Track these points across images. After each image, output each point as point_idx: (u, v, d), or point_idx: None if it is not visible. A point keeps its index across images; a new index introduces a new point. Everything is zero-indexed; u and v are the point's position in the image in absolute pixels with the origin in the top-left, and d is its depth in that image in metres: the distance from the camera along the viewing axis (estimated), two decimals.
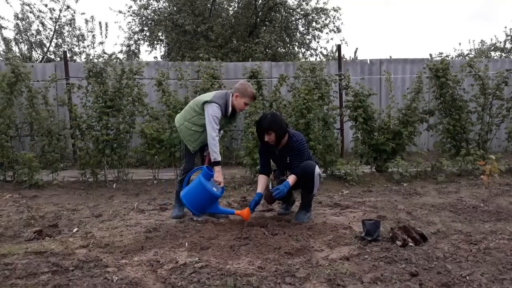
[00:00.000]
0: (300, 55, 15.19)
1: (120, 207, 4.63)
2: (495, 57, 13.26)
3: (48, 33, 13.40)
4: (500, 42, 14.56)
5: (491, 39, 16.91)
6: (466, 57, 14.09)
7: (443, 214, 4.04)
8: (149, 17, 14.49)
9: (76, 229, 3.74)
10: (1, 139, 6.09)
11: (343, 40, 19.27)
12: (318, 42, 16.67)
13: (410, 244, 3.02)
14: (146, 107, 6.43)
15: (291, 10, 14.51)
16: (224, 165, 7.54)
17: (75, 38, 13.71)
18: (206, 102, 3.79)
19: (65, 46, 13.56)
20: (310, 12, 14.29)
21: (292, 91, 6.66)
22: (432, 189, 5.37)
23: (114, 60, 6.73)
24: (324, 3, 14.14)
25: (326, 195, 5.09)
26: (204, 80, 7.32)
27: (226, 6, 15.05)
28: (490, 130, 6.84)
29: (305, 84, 6.25)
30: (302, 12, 14.48)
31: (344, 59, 10.09)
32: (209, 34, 13.41)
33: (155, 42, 15.20)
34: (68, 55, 11.50)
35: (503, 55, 14.19)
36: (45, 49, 13.56)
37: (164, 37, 15.01)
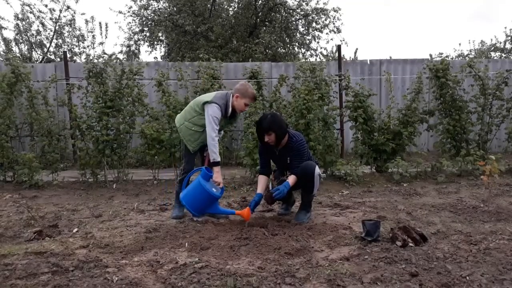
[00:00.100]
0: (300, 56, 15.20)
1: (120, 208, 4.63)
2: (495, 58, 13.27)
3: (48, 33, 13.43)
4: (500, 43, 14.58)
5: (491, 39, 16.93)
6: (466, 57, 14.10)
7: (443, 215, 4.04)
8: (149, 17, 14.50)
9: (76, 230, 3.74)
10: (1, 140, 6.10)
11: (343, 40, 19.29)
12: (318, 42, 16.69)
13: (410, 244, 3.02)
14: (146, 108, 6.44)
15: (291, 11, 14.51)
16: (224, 166, 7.56)
17: (75, 39, 13.73)
18: (206, 102, 3.79)
19: (65, 47, 13.58)
20: (310, 12, 14.29)
21: (292, 92, 6.67)
22: (432, 189, 5.37)
23: (114, 61, 6.74)
24: (324, 4, 14.17)
25: (326, 195, 5.09)
26: (204, 81, 7.32)
27: (226, 6, 15.05)
28: (490, 131, 6.84)
29: (305, 85, 6.25)
30: (302, 13, 14.48)
31: (344, 60, 10.09)
32: (209, 34, 13.42)
33: (155, 43, 15.20)
34: (68, 55, 11.51)
35: (503, 55, 14.20)
36: (45, 50, 13.57)
37: (164, 38, 15.02)
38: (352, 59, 14.70)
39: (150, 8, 14.55)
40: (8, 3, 12.66)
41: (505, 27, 17.54)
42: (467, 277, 2.45)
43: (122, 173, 6.20)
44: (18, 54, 12.60)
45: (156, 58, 15.59)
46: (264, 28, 14.32)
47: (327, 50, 15.71)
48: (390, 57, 10.06)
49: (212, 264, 2.74)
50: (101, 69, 6.28)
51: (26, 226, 3.89)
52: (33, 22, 13.25)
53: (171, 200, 4.82)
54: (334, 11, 14.06)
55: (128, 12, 14.45)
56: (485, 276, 2.46)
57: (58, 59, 13.08)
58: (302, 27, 14.98)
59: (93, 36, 13.56)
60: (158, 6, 14.72)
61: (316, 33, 14.61)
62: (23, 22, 13.12)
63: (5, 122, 6.25)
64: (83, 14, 18.71)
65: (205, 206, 3.76)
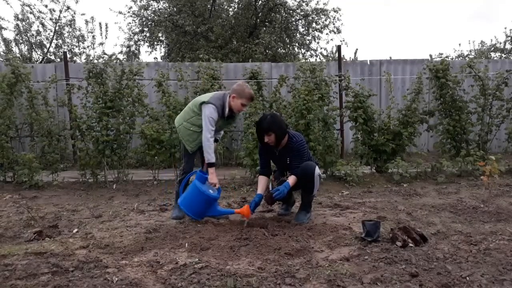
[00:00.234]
0: (300, 56, 15.21)
1: (120, 208, 4.63)
2: (495, 58, 13.29)
3: (48, 34, 13.43)
4: (500, 43, 14.58)
5: (491, 39, 16.94)
6: (466, 57, 14.10)
7: (443, 215, 4.04)
8: (149, 17, 14.50)
9: (76, 230, 3.74)
10: (1, 140, 6.09)
11: (343, 41, 19.34)
12: (318, 42, 16.66)
13: (410, 244, 3.02)
14: (146, 108, 6.44)
15: (291, 11, 14.52)
16: (224, 166, 7.62)
17: (75, 39, 13.72)
18: (203, 103, 3.79)
19: (65, 47, 13.58)
20: (310, 13, 14.29)
21: (292, 92, 6.67)
22: (432, 189, 5.37)
23: (114, 61, 6.74)
24: (324, 4, 14.17)
25: (326, 195, 5.09)
26: (204, 81, 7.33)
27: (226, 7, 15.06)
28: (490, 131, 6.84)
29: (305, 85, 6.25)
30: (302, 13, 14.49)
31: (344, 60, 10.10)
32: (209, 34, 13.42)
33: (155, 43, 15.20)
34: (68, 55, 11.49)
35: (503, 55, 14.21)
36: (45, 50, 13.57)
37: (164, 38, 15.02)
38: (352, 59, 14.70)
39: (150, 8, 14.56)
40: (8, 4, 12.68)
41: (505, 27, 17.55)
42: (467, 278, 2.45)
43: (122, 174, 6.20)
44: (18, 55, 12.60)
45: (156, 58, 15.61)
46: (264, 28, 14.32)
47: (327, 51, 15.72)
48: (390, 58, 10.09)
49: (212, 264, 2.74)
50: (101, 70, 6.29)
51: (26, 226, 3.89)
52: (33, 22, 13.27)
53: (171, 201, 4.82)
54: (334, 11, 14.08)
55: (128, 12, 14.48)
56: (485, 277, 2.46)
57: (58, 60, 13.08)
58: (302, 28, 14.99)
59: (93, 36, 13.57)
60: (158, 6, 14.74)
61: (316, 33, 14.64)
62: (23, 23, 13.13)
63: (5, 123, 6.25)
64: (83, 14, 18.73)
65: (205, 209, 3.76)
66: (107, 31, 13.41)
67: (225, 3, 14.86)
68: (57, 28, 13.28)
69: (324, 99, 6.21)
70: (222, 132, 4.27)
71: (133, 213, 4.37)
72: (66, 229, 3.77)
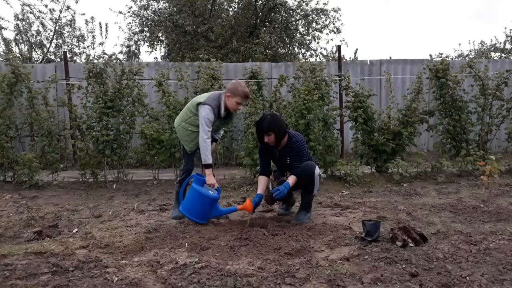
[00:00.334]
0: (300, 56, 15.21)
1: (120, 208, 4.63)
2: (495, 58, 13.28)
3: (48, 33, 13.44)
4: (500, 43, 14.58)
5: (491, 39, 16.93)
6: (466, 57, 14.10)
7: (443, 215, 4.04)
8: (149, 17, 14.50)
9: (76, 230, 3.74)
10: (1, 140, 6.10)
11: (343, 40, 19.35)
12: (318, 42, 16.69)
13: (410, 244, 3.02)
14: (146, 108, 6.44)
15: (291, 11, 14.52)
16: (224, 166, 7.62)
17: (75, 39, 13.74)
18: (199, 103, 3.79)
19: (65, 47, 13.59)
20: (310, 12, 14.30)
21: (292, 92, 6.67)
22: (432, 189, 5.37)
23: (114, 61, 6.75)
24: (324, 4, 14.17)
25: (326, 195, 5.09)
26: (204, 81, 7.33)
27: (226, 6, 15.06)
28: (490, 131, 6.84)
29: (305, 85, 6.25)
30: (302, 13, 14.49)
31: (344, 60, 10.10)
32: (209, 34, 13.42)
33: (155, 43, 15.20)
34: (68, 55, 11.50)
35: (503, 55, 14.20)
36: (45, 50, 13.57)
37: (164, 38, 15.02)
38: (352, 59, 14.69)
39: (150, 8, 14.56)
40: (8, 3, 12.68)
41: (505, 27, 17.56)
42: (467, 277, 2.45)
43: (122, 173, 6.20)
44: (18, 55, 12.59)
45: (156, 58, 15.61)
46: (264, 28, 14.32)
47: (327, 51, 15.72)
48: (390, 57, 10.09)
49: (212, 264, 2.74)
50: (101, 70, 6.29)
51: (26, 226, 3.89)
52: (33, 22, 13.29)
53: (171, 200, 4.82)
54: (334, 11, 14.09)
55: (128, 12, 14.48)
56: (485, 276, 2.46)
57: (58, 59, 13.09)
58: (302, 28, 14.99)
59: (93, 36, 13.59)
60: (158, 6, 14.74)
61: (316, 33, 14.64)
62: (23, 23, 13.13)
63: (5, 122, 6.26)
64: (83, 14, 18.76)
65: (207, 211, 3.75)
66: (107, 31, 13.46)
67: (225, 3, 14.86)
68: (57, 28, 13.29)
69: (324, 99, 6.21)
70: (222, 132, 4.26)
71: (133, 213, 4.37)
72: (66, 229, 3.77)
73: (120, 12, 14.85)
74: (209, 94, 3.91)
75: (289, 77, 7.53)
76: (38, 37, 13.39)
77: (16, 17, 12.91)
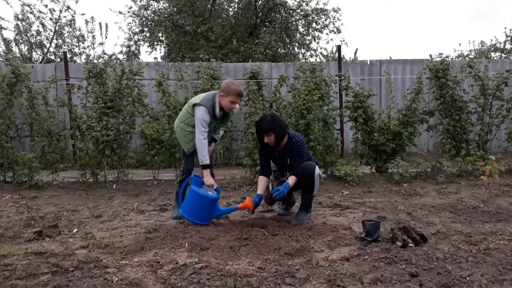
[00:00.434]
0: (300, 56, 15.21)
1: (120, 208, 4.63)
2: (495, 58, 13.28)
3: (48, 33, 13.44)
4: (500, 43, 14.57)
5: (491, 39, 16.91)
6: (466, 57, 14.10)
7: (443, 215, 4.04)
8: (149, 17, 14.50)
9: (76, 230, 3.74)
10: (1, 140, 6.09)
11: (343, 40, 19.33)
12: (318, 42, 16.68)
13: (410, 244, 3.02)
14: (146, 108, 6.44)
15: (291, 11, 14.52)
16: (224, 166, 7.62)
17: (75, 39, 13.73)
18: (195, 104, 3.80)
19: (65, 47, 13.58)
20: (310, 13, 14.30)
21: (292, 92, 6.67)
22: (432, 189, 5.37)
23: (114, 61, 6.75)
24: (324, 4, 14.17)
25: (326, 195, 5.09)
26: (204, 81, 7.32)
27: (226, 6, 15.06)
28: (490, 131, 6.84)
29: (305, 85, 6.25)
30: (302, 13, 14.49)
31: (344, 60, 10.09)
32: (209, 34, 13.42)
33: (155, 43, 15.20)
34: (68, 55, 11.50)
35: (503, 55, 14.20)
36: (45, 50, 13.57)
37: (164, 38, 15.02)
38: (352, 59, 14.68)
39: (150, 8, 14.56)
40: (8, 4, 12.68)
41: (505, 27, 17.54)
42: (467, 278, 2.45)
43: (122, 174, 6.20)
44: (18, 55, 12.59)
45: (156, 58, 15.62)
46: (264, 28, 14.32)
47: (327, 51, 15.71)
48: (390, 58, 10.09)
49: (212, 264, 2.74)
50: (101, 70, 6.28)
51: (26, 226, 3.89)
52: (33, 22, 13.28)
53: (171, 201, 4.82)
54: (334, 11, 14.09)
55: (128, 12, 14.47)
56: (485, 277, 2.46)
57: (58, 60, 13.09)
58: (302, 28, 14.99)
59: (93, 36, 13.58)
60: (158, 6, 14.73)
61: (316, 33, 14.63)
62: (23, 23, 13.13)
63: (5, 123, 6.25)
64: (83, 14, 18.74)
65: (208, 212, 3.74)
66: (107, 31, 13.45)
67: (225, 3, 14.86)
68: (57, 28, 13.29)
69: (324, 99, 6.21)
70: (221, 132, 4.25)
71: (133, 213, 4.37)
72: (66, 229, 3.77)
73: (120, 12, 14.85)
74: (204, 95, 3.92)
75: (289, 77, 7.53)
76: (38, 37, 13.41)
77: (16, 17, 12.93)
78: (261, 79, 8.12)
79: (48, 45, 13.52)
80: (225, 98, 3.78)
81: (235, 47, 13.81)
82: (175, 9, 14.09)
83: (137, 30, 14.79)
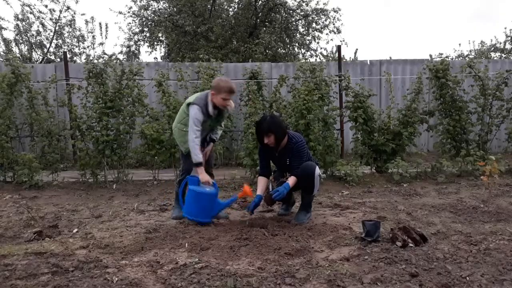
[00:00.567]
0: (300, 56, 15.21)
1: (120, 208, 4.63)
2: (495, 58, 13.28)
3: (48, 34, 13.44)
4: (500, 43, 14.57)
5: (491, 39, 16.91)
6: (466, 57, 14.09)
7: (443, 215, 4.04)
8: (149, 18, 14.50)
9: (76, 230, 3.74)
10: (1, 140, 6.09)
11: (343, 41, 19.32)
12: (318, 43, 16.68)
13: (410, 244, 3.02)
14: (146, 108, 6.43)
15: (291, 11, 14.52)
16: (224, 166, 7.62)
17: (75, 39, 13.73)
18: (189, 104, 3.81)
19: (65, 47, 13.58)
20: (310, 13, 14.30)
21: (292, 92, 6.66)
22: (432, 189, 5.37)
23: (114, 61, 6.74)
24: (324, 4, 14.17)
25: (326, 195, 5.09)
26: (204, 81, 7.32)
27: (226, 7, 15.06)
28: (490, 131, 6.84)
29: (305, 85, 6.25)
30: (302, 13, 14.49)
31: (344, 60, 10.09)
32: (209, 35, 13.42)
33: (155, 43, 15.20)
34: (68, 56, 11.49)
35: (503, 56, 14.20)
36: (45, 50, 13.57)
37: (164, 38, 15.02)
38: (352, 59, 14.68)
39: (150, 8, 14.56)
40: (8, 4, 12.68)
41: (505, 27, 17.53)
42: (467, 278, 2.45)
43: (122, 174, 6.20)
44: (18, 55, 12.59)
45: (156, 58, 15.62)
46: (264, 28, 14.32)
47: (327, 51, 15.71)
48: (390, 58, 10.09)
49: (212, 264, 2.74)
50: (101, 70, 6.28)
51: (26, 226, 3.89)
52: (33, 22, 13.27)
53: (171, 201, 4.82)
54: (334, 11, 14.10)
55: (128, 12, 14.47)
56: (485, 277, 2.46)
57: (58, 60, 13.09)
58: (302, 28, 14.99)
59: (93, 36, 13.57)
60: (158, 6, 14.73)
61: (316, 33, 14.64)
62: (23, 23, 13.13)
63: (5, 123, 6.25)
64: (83, 14, 18.74)
65: (209, 207, 3.75)
66: (107, 31, 13.44)
67: (225, 3, 14.86)
68: (57, 28, 13.29)
69: (324, 99, 6.21)
70: (219, 132, 4.22)
71: (133, 213, 4.37)
72: (66, 229, 3.77)
73: (120, 12, 14.86)
74: (198, 94, 3.94)
75: (289, 77, 7.53)
76: (38, 37, 13.40)
77: (16, 17, 12.92)
78: (261, 79, 8.12)
79: (48, 45, 13.53)
80: (216, 96, 3.77)
81: (235, 47, 13.82)
82: (175, 9, 14.09)
83: (137, 30, 14.80)
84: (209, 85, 7.21)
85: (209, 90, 3.91)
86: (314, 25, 14.45)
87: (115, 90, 6.14)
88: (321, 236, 3.38)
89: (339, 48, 8.67)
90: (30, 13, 12.99)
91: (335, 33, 14.39)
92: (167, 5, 14.71)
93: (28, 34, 13.25)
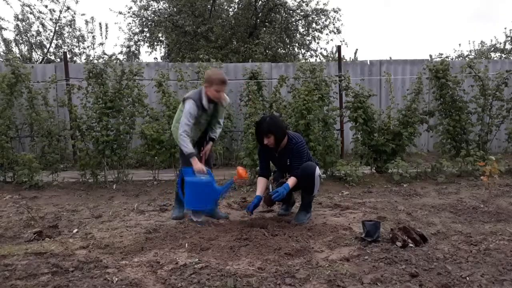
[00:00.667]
0: (300, 56, 15.21)
1: (120, 208, 4.63)
2: (495, 58, 13.28)
3: (48, 34, 13.45)
4: (500, 43, 14.57)
5: (491, 40, 16.90)
6: (466, 58, 14.10)
7: (443, 215, 4.04)
8: (149, 18, 14.50)
9: (76, 230, 3.74)
10: (1, 140, 6.09)
11: (343, 41, 19.31)
12: (318, 43, 16.69)
13: (410, 245, 3.02)
14: (146, 108, 6.43)
15: (291, 11, 14.52)
16: (224, 166, 7.62)
17: (75, 39, 13.74)
18: (184, 99, 3.85)
19: (65, 47, 13.59)
20: (310, 13, 14.31)
21: (292, 92, 6.66)
22: (432, 190, 5.37)
23: (114, 61, 6.74)
24: (324, 4, 14.18)
25: (326, 196, 5.09)
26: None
27: (226, 7, 15.06)
28: (490, 131, 6.84)
29: (305, 85, 6.25)
30: (302, 13, 14.50)
31: (344, 60, 10.09)
32: (209, 35, 13.42)
33: (155, 43, 15.21)
34: (68, 56, 11.50)
35: (503, 56, 14.20)
36: (45, 50, 13.58)
37: (164, 38, 15.02)
38: (352, 59, 14.68)
39: (150, 8, 14.57)
40: (8, 4, 12.69)
41: (505, 28, 17.54)
42: (467, 278, 2.45)
43: (122, 174, 6.20)
44: (18, 55, 12.59)
45: (156, 58, 15.62)
46: (264, 28, 14.33)
47: (327, 51, 15.72)
48: (390, 58, 10.10)
49: (212, 264, 2.74)
50: (101, 70, 6.28)
51: (26, 226, 3.89)
52: (33, 22, 13.29)
53: (171, 201, 4.82)
54: (334, 11, 14.11)
55: (128, 12, 14.48)
56: (485, 277, 2.46)
57: (58, 60, 13.09)
58: (302, 28, 15.00)
59: (93, 36, 13.59)
60: (158, 6, 14.74)
61: (316, 33, 14.65)
62: (23, 23, 13.14)
63: (5, 123, 6.25)
64: (83, 14, 18.75)
65: (209, 195, 3.74)
66: (107, 31, 13.45)
67: (225, 3, 14.87)
68: (57, 28, 13.30)
69: (324, 99, 6.21)
70: (218, 130, 4.20)
71: (133, 213, 4.37)
72: (66, 229, 3.77)
73: (120, 13, 14.86)
74: (193, 90, 3.98)
75: (289, 77, 7.52)
76: (38, 38, 13.41)
77: (16, 17, 12.93)
78: (261, 80, 8.12)
79: (48, 46, 13.54)
80: (209, 88, 3.79)
81: (235, 47, 13.82)
82: (175, 10, 14.10)
83: (137, 30, 14.81)
84: None
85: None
86: (314, 25, 14.47)
87: (115, 90, 6.14)
88: (321, 236, 3.38)
89: (339, 48, 8.67)
90: (30, 13, 13.02)
91: (335, 33, 14.42)
92: (167, 5, 14.72)
93: (28, 34, 13.26)
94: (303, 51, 15.30)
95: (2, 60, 10.55)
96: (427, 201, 4.73)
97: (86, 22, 15.16)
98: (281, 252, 2.96)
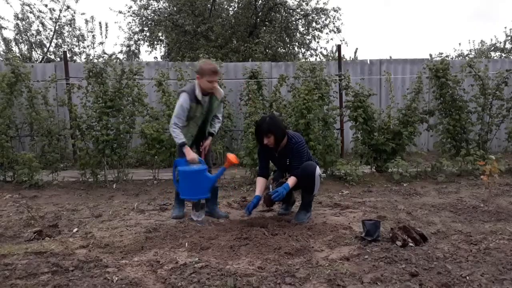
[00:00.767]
0: (300, 55, 15.19)
1: (120, 207, 4.63)
2: (495, 58, 13.26)
3: (48, 33, 13.43)
4: (500, 43, 14.57)
5: (491, 39, 16.92)
6: (466, 57, 14.09)
7: (443, 214, 4.04)
8: (149, 17, 14.49)
9: (76, 229, 3.74)
10: (1, 139, 6.09)
11: (343, 40, 19.28)
12: (318, 42, 16.71)
13: (410, 244, 3.02)
14: (146, 107, 6.43)
15: (291, 11, 14.51)
16: None
17: (75, 38, 13.73)
18: (178, 93, 3.88)
19: (65, 46, 13.58)
20: (310, 12, 14.29)
21: (292, 91, 6.66)
22: (432, 189, 5.37)
23: (114, 60, 6.74)
24: (324, 4, 14.17)
25: (326, 195, 5.09)
26: None
27: (226, 6, 15.05)
28: (490, 130, 6.84)
29: (305, 84, 6.25)
30: (302, 13, 14.48)
31: (344, 59, 10.09)
32: (209, 34, 13.41)
33: (155, 43, 15.19)
34: (68, 55, 11.50)
35: (503, 55, 14.19)
36: (45, 49, 13.57)
37: (164, 37, 15.01)
38: (352, 59, 14.67)
39: (150, 8, 14.55)
40: (8, 3, 12.66)
41: (505, 27, 17.54)
42: (467, 277, 2.45)
43: (122, 173, 6.20)
44: (18, 54, 12.58)
45: (156, 58, 15.61)
46: (264, 28, 14.31)
47: (327, 50, 15.74)
48: (390, 57, 10.07)
49: (212, 264, 2.74)
50: (101, 69, 6.28)
51: (26, 226, 3.89)
52: (33, 22, 13.27)
53: (171, 200, 4.82)
54: (334, 11, 14.08)
55: (128, 12, 14.45)
56: (485, 276, 2.46)
57: (58, 59, 13.09)
58: (302, 27, 14.98)
59: (93, 36, 13.59)
60: (158, 6, 14.72)
61: (316, 33, 14.61)
62: (23, 22, 13.13)
63: (5, 122, 6.25)
64: (83, 14, 18.78)
65: (202, 184, 3.73)
66: (107, 30, 13.47)
67: (225, 2, 14.85)
68: (57, 27, 13.28)
69: (324, 98, 6.21)
70: (217, 125, 4.17)
71: (133, 213, 4.37)
72: (66, 229, 3.77)
73: (120, 12, 14.85)
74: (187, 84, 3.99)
75: (289, 76, 7.53)
76: (38, 37, 13.40)
77: (16, 16, 12.92)
78: (261, 79, 8.12)
79: (48, 45, 13.53)
80: (202, 79, 3.81)
81: (235, 46, 13.81)
82: (175, 9, 14.08)
83: (137, 29, 14.79)
84: None
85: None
86: (314, 24, 14.44)
87: (115, 89, 6.13)
88: (321, 235, 3.38)
89: (339, 47, 8.67)
90: (30, 12, 13.00)
91: (335, 32, 14.39)
92: (167, 5, 14.70)
93: (28, 34, 13.25)
94: (303, 50, 15.30)
95: (2, 59, 10.54)
96: (427, 200, 4.73)
97: (86, 21, 15.16)
98: (281, 251, 2.96)
